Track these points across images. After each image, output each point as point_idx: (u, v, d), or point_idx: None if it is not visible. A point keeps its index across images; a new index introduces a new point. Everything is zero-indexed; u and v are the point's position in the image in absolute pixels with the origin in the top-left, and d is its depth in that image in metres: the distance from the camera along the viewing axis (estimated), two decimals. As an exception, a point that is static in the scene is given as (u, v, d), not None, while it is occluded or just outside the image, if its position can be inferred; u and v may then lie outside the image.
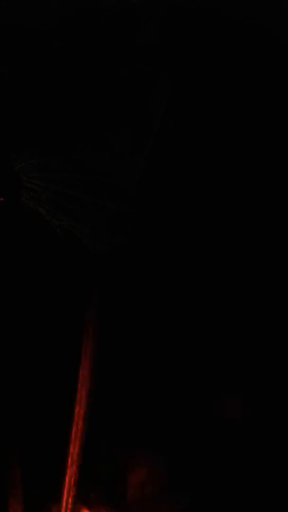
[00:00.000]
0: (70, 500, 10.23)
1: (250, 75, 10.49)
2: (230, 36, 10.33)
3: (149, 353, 10.46)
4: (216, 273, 10.49)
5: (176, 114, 10.33)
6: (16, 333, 10.27)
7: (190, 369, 10.51)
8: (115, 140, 10.02)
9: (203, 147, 10.47)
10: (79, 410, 10.22)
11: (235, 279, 10.50)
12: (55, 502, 10.29)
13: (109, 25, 9.95)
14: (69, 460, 10.24)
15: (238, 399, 10.61)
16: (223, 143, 10.51)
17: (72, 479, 10.22)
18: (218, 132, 10.48)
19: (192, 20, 10.24)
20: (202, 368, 10.48)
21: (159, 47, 10.13)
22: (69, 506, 10.24)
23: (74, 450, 10.27)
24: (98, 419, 10.34)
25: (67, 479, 10.22)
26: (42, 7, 9.80)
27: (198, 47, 10.30)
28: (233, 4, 10.25)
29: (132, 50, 10.00)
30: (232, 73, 10.44)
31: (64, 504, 10.26)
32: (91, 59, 9.92)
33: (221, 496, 10.32)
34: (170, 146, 10.38)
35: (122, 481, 10.50)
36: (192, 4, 10.24)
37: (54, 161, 9.85)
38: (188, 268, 10.50)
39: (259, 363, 10.49)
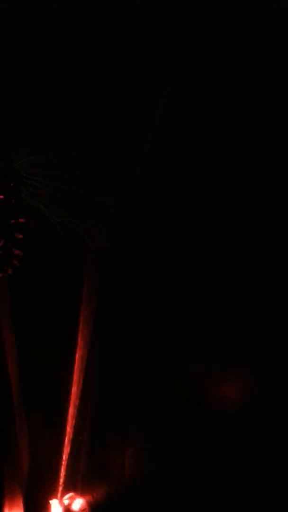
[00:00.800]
0: (67, 493, 10.27)
1: (250, 74, 10.53)
2: (229, 34, 10.38)
3: (148, 346, 10.49)
4: (216, 267, 10.51)
5: (176, 111, 10.38)
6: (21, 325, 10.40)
7: (189, 361, 10.52)
8: (115, 137, 10.06)
9: (203, 144, 10.52)
10: (78, 404, 10.27)
11: (235, 272, 10.51)
12: (52, 495, 10.32)
13: (108, 21, 10.04)
14: (68, 454, 10.28)
15: (238, 398, 10.59)
16: (223, 141, 10.55)
17: (70, 472, 10.26)
18: (218, 130, 10.53)
19: (191, 18, 10.31)
20: (201, 361, 10.50)
21: (159, 44, 10.19)
22: (67, 499, 10.27)
23: (73, 445, 10.32)
24: (96, 414, 10.38)
25: (63, 472, 10.26)
26: (42, 5, 9.90)
27: (197, 45, 10.36)
28: (232, 3, 10.32)
29: (132, 46, 10.07)
30: (232, 72, 10.49)
31: (61, 497, 10.28)
32: (90, 56, 10.00)
33: (220, 494, 10.30)
34: (170, 143, 10.43)
35: (120, 476, 10.50)
36: (192, 3, 10.32)
37: (54, 157, 9.89)
38: (188, 263, 10.54)
39: (258, 355, 10.49)
